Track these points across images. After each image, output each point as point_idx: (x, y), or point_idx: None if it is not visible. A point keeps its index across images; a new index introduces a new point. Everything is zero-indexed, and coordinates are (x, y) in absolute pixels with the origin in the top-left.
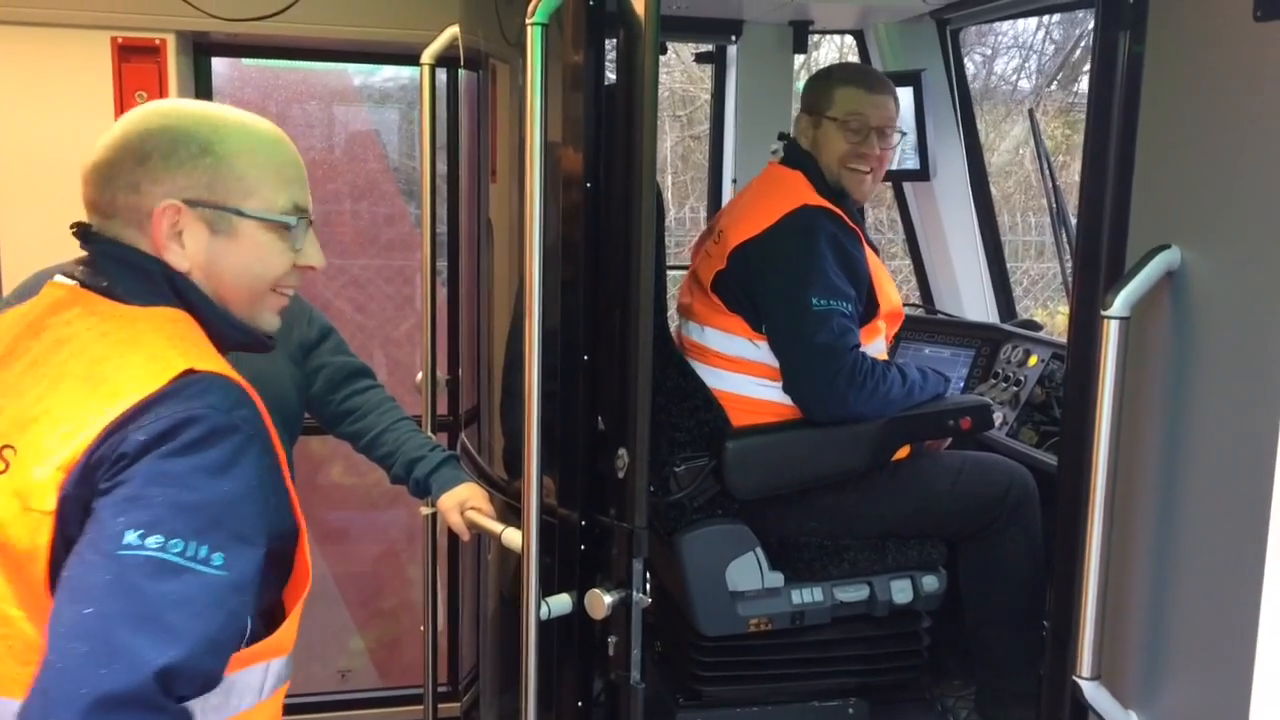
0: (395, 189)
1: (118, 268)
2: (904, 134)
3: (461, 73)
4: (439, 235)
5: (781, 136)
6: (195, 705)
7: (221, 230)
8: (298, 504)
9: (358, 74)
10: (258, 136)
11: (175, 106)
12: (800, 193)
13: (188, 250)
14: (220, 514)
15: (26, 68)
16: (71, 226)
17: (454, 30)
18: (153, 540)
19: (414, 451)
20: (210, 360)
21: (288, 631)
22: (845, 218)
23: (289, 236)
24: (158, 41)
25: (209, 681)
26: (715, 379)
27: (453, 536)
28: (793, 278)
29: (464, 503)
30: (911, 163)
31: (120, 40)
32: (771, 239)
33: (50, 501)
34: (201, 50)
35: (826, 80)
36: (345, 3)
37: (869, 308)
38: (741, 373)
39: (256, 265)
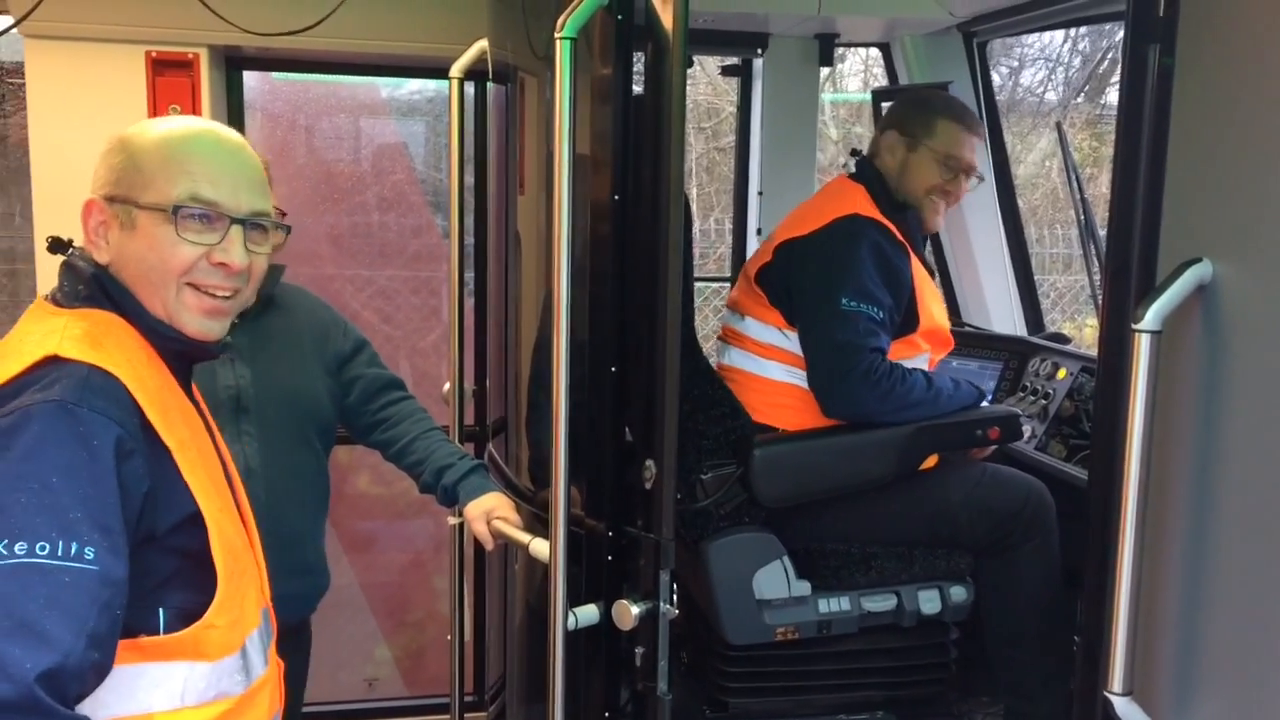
0: (422, 201)
1: (66, 273)
2: (983, 179)
3: (490, 86)
4: (466, 247)
5: (854, 153)
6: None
7: (126, 224)
8: (202, 494)
9: (385, 86)
10: (176, 133)
11: (147, 120)
12: (855, 203)
13: (110, 245)
14: (82, 509)
15: (64, 81)
16: (52, 238)
17: (482, 44)
18: (20, 546)
19: (443, 459)
20: (97, 353)
21: (201, 635)
22: (896, 231)
23: (185, 227)
24: (190, 56)
25: (100, 672)
26: (749, 362)
27: (479, 546)
28: (828, 277)
29: (490, 511)
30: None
31: (154, 54)
32: (817, 240)
33: None
34: (233, 64)
35: (928, 108)
36: (375, 18)
37: (907, 320)
38: (772, 359)
39: (150, 256)
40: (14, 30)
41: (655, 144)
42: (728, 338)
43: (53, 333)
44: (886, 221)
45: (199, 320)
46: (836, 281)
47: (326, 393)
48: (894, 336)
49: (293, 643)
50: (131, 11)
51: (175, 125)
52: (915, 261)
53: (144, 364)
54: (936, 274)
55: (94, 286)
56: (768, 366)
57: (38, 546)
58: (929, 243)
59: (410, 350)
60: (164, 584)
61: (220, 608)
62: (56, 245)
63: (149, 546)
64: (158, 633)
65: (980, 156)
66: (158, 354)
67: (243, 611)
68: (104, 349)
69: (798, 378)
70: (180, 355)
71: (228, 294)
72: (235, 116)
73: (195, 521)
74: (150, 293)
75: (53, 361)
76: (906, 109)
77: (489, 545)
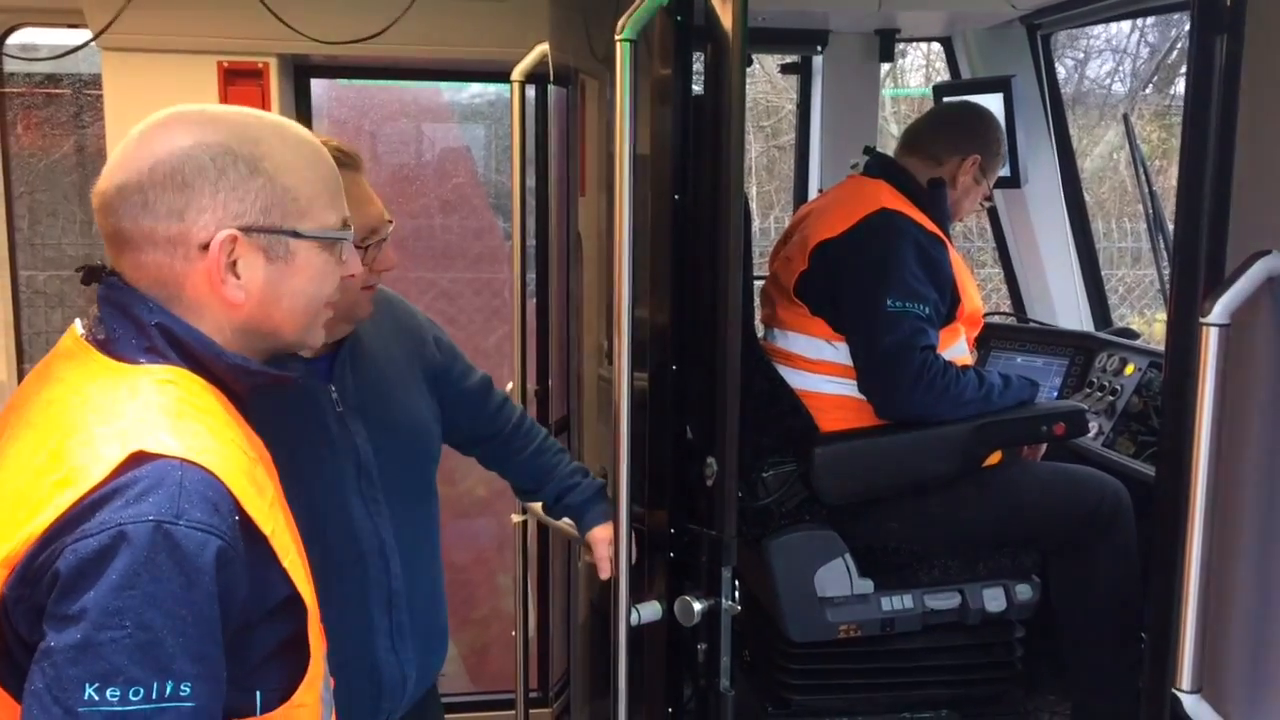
0: (484, 203)
1: (118, 319)
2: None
3: (550, 88)
4: (528, 248)
5: (867, 151)
6: None
7: (278, 256)
8: (296, 574)
9: (448, 91)
10: (299, 148)
11: (201, 119)
12: (880, 198)
13: (243, 281)
14: (179, 641)
15: (140, 91)
16: (77, 270)
17: (543, 48)
18: (111, 692)
19: (562, 482)
20: (185, 438)
21: (292, 714)
22: (928, 222)
23: (340, 251)
24: (261, 65)
25: None
26: (798, 379)
27: (542, 543)
28: (870, 279)
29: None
30: (1001, 170)
31: (226, 64)
32: (851, 240)
33: None
34: (302, 72)
35: (1004, 142)
36: (438, 24)
37: (950, 309)
38: (821, 373)
39: (312, 287)
40: (92, 43)
41: (715, 144)
42: (772, 356)
43: (120, 405)
44: (918, 213)
45: (323, 333)
46: (879, 282)
47: (435, 420)
48: (940, 327)
49: (432, 709)
50: (204, 23)
51: (290, 134)
52: (952, 249)
53: (224, 425)
54: (972, 264)
55: (158, 336)
56: (814, 380)
57: (131, 692)
58: (993, 235)
59: (473, 351)
60: (260, 666)
61: (309, 684)
62: (91, 274)
63: (241, 634)
64: (254, 714)
65: None
66: (226, 396)
67: (320, 673)
68: (187, 428)
69: (847, 388)
70: (257, 388)
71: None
72: (303, 123)
73: (291, 603)
74: (297, 322)
75: (138, 460)
76: (992, 141)
77: (605, 573)
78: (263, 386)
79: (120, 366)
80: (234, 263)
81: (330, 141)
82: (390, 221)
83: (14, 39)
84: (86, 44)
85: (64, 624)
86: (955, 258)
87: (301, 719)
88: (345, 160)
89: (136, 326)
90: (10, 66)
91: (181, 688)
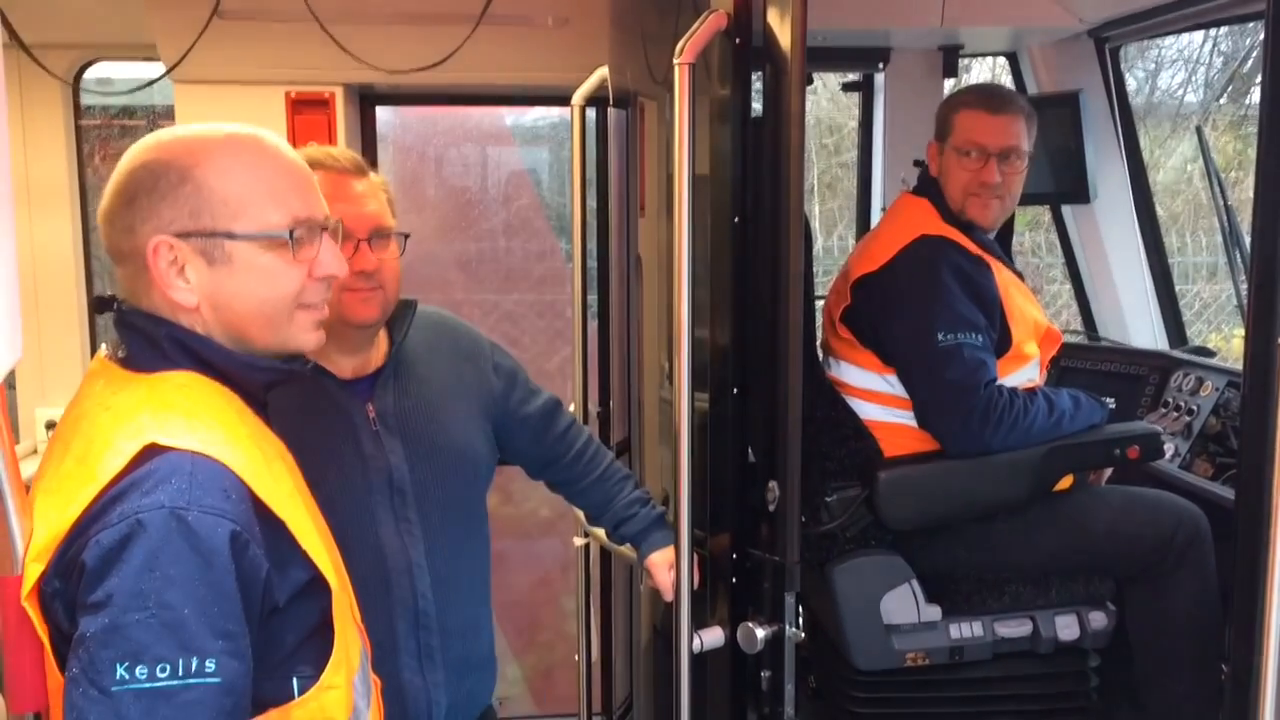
0: (546, 226)
1: (130, 335)
2: (1024, 156)
3: (610, 111)
4: (589, 270)
5: (918, 164)
6: None
7: (217, 258)
8: (320, 558)
9: (509, 115)
10: (240, 152)
11: (161, 137)
12: (920, 222)
13: (194, 284)
14: (201, 619)
15: (211, 121)
16: (95, 298)
17: (603, 72)
18: (140, 670)
19: (621, 512)
20: (195, 434)
21: (323, 697)
22: (970, 244)
23: (293, 250)
24: (327, 94)
25: None
26: (856, 406)
27: (605, 566)
28: (916, 313)
29: (672, 564)
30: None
31: (293, 94)
32: (891, 273)
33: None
34: (367, 101)
35: (948, 104)
36: (499, 51)
37: (1002, 339)
38: (876, 402)
39: (261, 288)
40: (166, 77)
41: (775, 165)
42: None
43: (138, 408)
44: (957, 234)
45: (313, 335)
46: (927, 316)
47: (486, 444)
48: (997, 355)
49: None
50: (272, 56)
51: (239, 141)
52: (997, 269)
53: (237, 423)
54: (1042, 281)
55: (169, 345)
56: (869, 409)
57: (159, 669)
58: (1062, 251)
59: (536, 373)
60: (294, 651)
61: (335, 666)
62: (103, 304)
63: (272, 619)
64: (293, 698)
65: (1014, 135)
66: (241, 398)
67: (349, 658)
68: (200, 424)
69: (903, 417)
70: (269, 385)
71: (327, 300)
72: (369, 150)
73: (315, 585)
74: (260, 323)
75: (152, 452)
76: (939, 113)
77: (669, 596)
78: (276, 383)
79: (139, 377)
80: (182, 268)
81: (325, 148)
82: (341, 221)
83: (91, 73)
84: (161, 78)
85: (92, 611)
86: (1003, 279)
87: (333, 702)
88: (339, 164)
89: (149, 340)
90: (87, 99)
91: (206, 664)
